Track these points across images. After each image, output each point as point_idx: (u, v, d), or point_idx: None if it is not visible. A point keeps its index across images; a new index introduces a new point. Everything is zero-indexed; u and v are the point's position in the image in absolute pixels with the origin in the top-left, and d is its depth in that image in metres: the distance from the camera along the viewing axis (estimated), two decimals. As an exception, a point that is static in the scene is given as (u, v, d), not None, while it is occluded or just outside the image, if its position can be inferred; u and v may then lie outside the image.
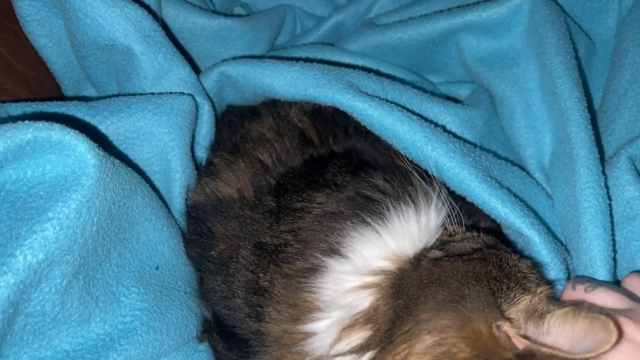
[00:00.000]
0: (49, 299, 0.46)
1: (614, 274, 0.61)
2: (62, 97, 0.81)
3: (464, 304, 0.50)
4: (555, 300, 0.53)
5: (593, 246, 0.61)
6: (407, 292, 0.54)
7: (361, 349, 0.52)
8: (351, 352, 0.52)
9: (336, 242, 0.57)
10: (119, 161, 0.53)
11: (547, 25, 0.77)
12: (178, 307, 0.59)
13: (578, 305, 0.48)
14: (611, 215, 0.64)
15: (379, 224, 0.58)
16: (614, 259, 0.62)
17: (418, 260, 0.56)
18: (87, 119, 0.62)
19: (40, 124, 0.46)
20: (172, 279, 0.60)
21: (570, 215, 0.66)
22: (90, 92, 0.80)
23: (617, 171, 0.66)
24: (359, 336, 0.52)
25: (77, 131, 0.47)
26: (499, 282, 0.53)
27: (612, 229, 0.63)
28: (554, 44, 0.75)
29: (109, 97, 0.68)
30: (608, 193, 0.65)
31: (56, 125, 0.46)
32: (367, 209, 0.59)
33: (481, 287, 0.52)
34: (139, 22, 0.69)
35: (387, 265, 0.56)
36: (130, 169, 0.55)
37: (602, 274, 0.60)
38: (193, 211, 0.70)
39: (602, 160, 0.69)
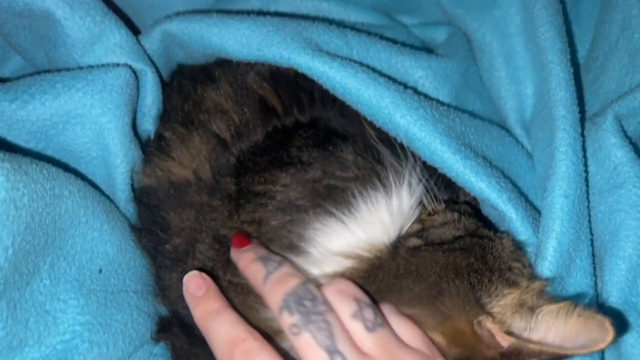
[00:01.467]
0: (-36, 336, 0.41)
1: (591, 253, 0.57)
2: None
3: (442, 300, 0.47)
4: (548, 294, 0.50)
5: (552, 213, 0.56)
6: (381, 280, 0.50)
7: None
8: None
9: (298, 238, 0.52)
10: (35, 165, 0.46)
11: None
12: (127, 312, 0.54)
13: (573, 302, 0.45)
14: (587, 182, 0.59)
15: (344, 214, 0.52)
16: (592, 232, 0.58)
17: (396, 248, 0.52)
18: (4, 105, 0.54)
19: None
20: (119, 279, 0.55)
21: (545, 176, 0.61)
22: (17, 60, 0.71)
23: (603, 133, 0.60)
24: None
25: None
26: (480, 275, 0.49)
27: (588, 198, 0.59)
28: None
29: (32, 74, 0.59)
30: (586, 157, 0.60)
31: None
32: (332, 198, 0.53)
33: (461, 281, 0.48)
34: (57, -20, 0.59)
35: (362, 253, 0.52)
36: (52, 169, 0.48)
37: (551, 245, 0.55)
38: (144, 196, 0.63)
39: (583, 118, 0.63)
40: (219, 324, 0.47)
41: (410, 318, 0.47)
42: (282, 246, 0.52)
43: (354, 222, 0.52)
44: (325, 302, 0.45)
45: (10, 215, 0.41)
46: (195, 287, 0.50)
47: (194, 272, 0.51)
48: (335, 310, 0.45)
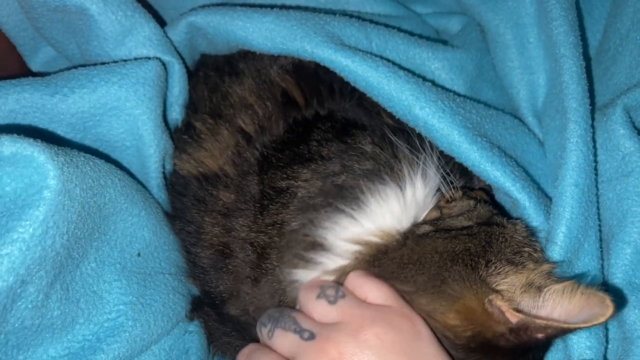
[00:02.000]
0: (27, 315, 0.45)
1: (598, 238, 0.60)
2: (18, 57, 0.75)
3: (449, 286, 0.50)
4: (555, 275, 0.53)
5: (562, 201, 0.59)
6: (384, 266, 0.53)
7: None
8: None
9: (313, 240, 0.56)
10: (83, 158, 0.49)
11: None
12: (164, 292, 0.58)
13: (577, 281, 0.48)
14: (596, 172, 0.62)
15: (353, 209, 0.56)
16: (600, 217, 0.62)
17: (405, 237, 0.55)
18: (46, 98, 0.57)
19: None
20: (156, 262, 0.59)
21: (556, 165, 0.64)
22: (47, 50, 0.74)
23: (612, 124, 0.62)
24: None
25: (31, 140, 0.43)
26: (477, 257, 0.52)
27: (597, 186, 0.62)
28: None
29: (68, 69, 0.62)
30: (595, 147, 0.63)
31: (5, 138, 0.42)
32: (342, 197, 0.56)
33: (458, 265, 0.51)
34: (91, -24, 0.62)
35: (371, 239, 0.55)
36: (97, 161, 0.52)
37: (561, 231, 0.58)
38: (177, 185, 0.66)
39: (594, 109, 0.65)
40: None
41: (422, 307, 0.51)
42: (296, 255, 0.56)
43: (363, 215, 0.55)
44: (290, 309, 0.54)
45: (65, 205, 0.45)
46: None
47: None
48: (304, 300, 0.52)
